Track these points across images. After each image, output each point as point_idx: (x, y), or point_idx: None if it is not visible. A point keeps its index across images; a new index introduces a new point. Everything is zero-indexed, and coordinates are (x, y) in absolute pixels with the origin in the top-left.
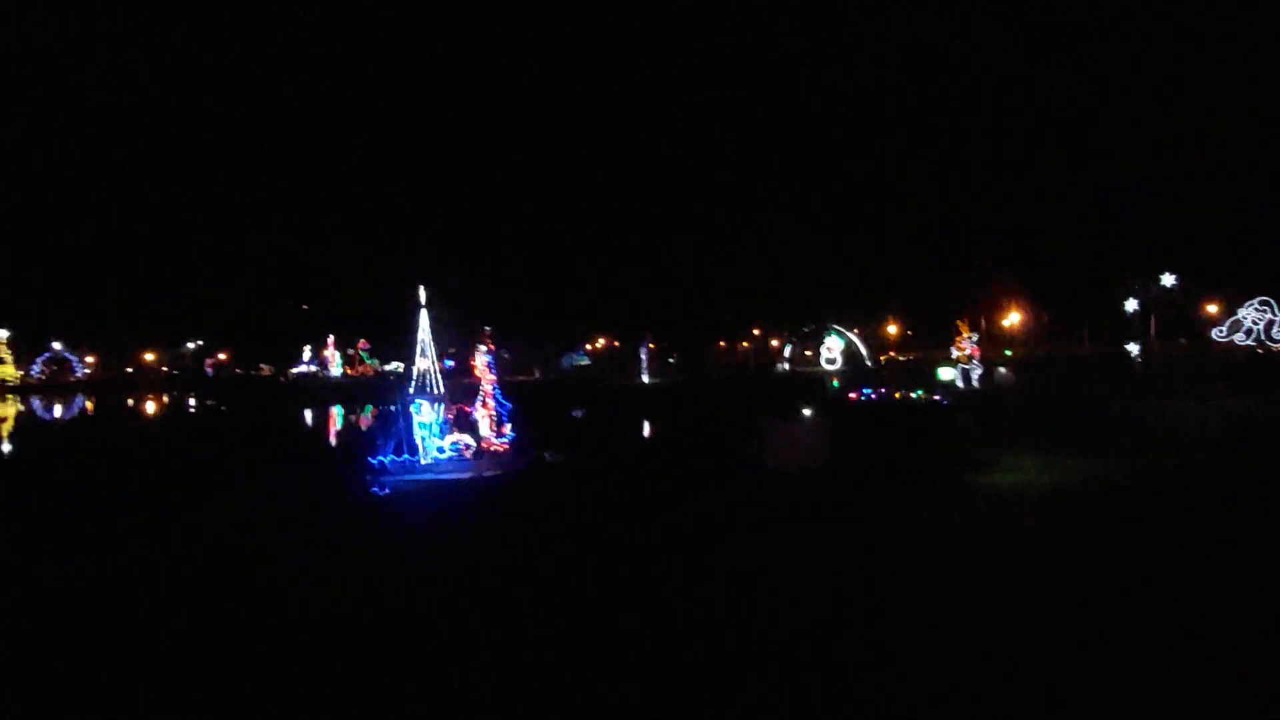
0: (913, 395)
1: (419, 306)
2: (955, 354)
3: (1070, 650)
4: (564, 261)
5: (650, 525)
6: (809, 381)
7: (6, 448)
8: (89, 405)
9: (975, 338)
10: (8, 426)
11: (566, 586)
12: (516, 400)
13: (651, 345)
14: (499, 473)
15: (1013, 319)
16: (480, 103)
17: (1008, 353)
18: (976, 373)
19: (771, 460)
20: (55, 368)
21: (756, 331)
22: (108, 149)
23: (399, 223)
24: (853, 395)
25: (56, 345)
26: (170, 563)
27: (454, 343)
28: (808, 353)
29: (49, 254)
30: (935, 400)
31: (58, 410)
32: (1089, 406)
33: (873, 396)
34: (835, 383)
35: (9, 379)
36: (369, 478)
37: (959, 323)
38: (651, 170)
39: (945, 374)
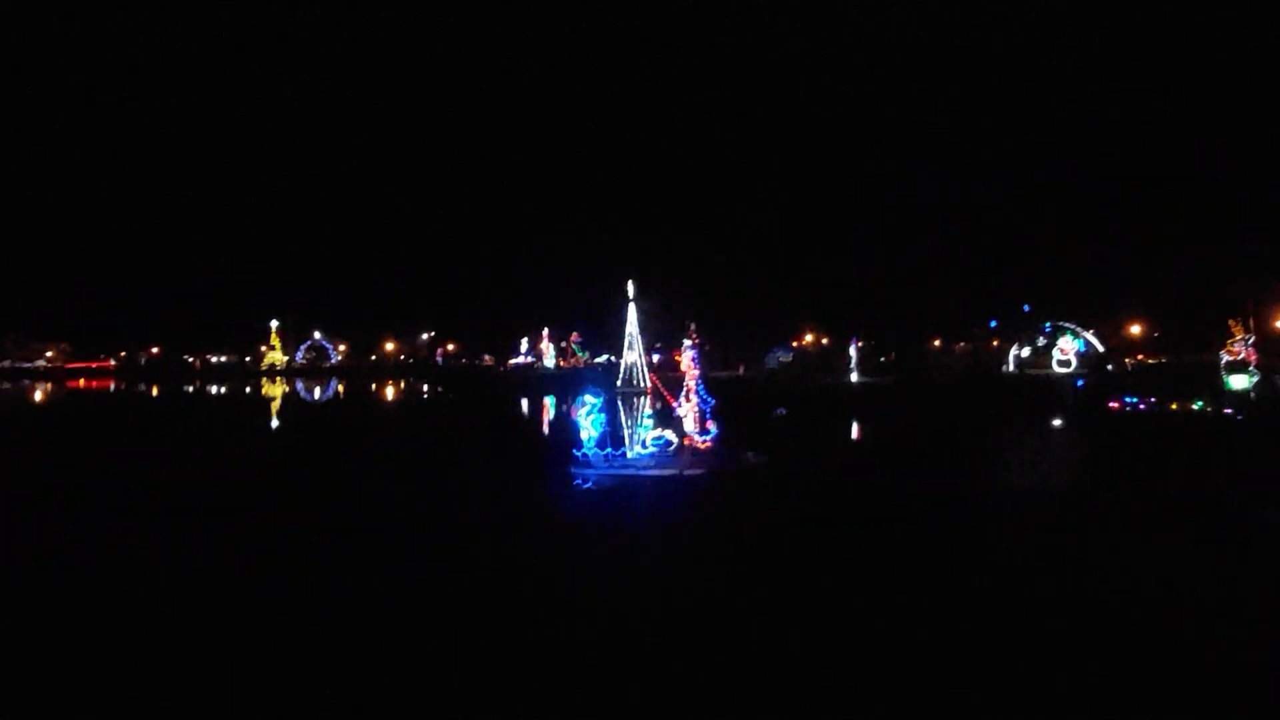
0: (1193, 406)
1: (627, 300)
2: (1226, 358)
3: None
4: (773, 254)
5: (866, 546)
6: (1043, 385)
7: (275, 423)
8: (340, 389)
9: (1251, 340)
10: (275, 405)
11: (774, 607)
12: (720, 397)
13: (861, 342)
14: (701, 472)
15: None
16: (699, 94)
17: None
18: (1255, 380)
19: (1017, 478)
20: (314, 354)
21: (975, 330)
22: (370, 156)
23: (610, 217)
24: (1114, 404)
25: (317, 334)
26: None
27: (660, 337)
28: (1019, 352)
29: (311, 250)
30: (1227, 414)
31: (316, 392)
32: None
33: (1141, 406)
34: (1080, 382)
35: (278, 364)
36: (573, 469)
37: (1231, 322)
38: (865, 160)
39: (1237, 382)
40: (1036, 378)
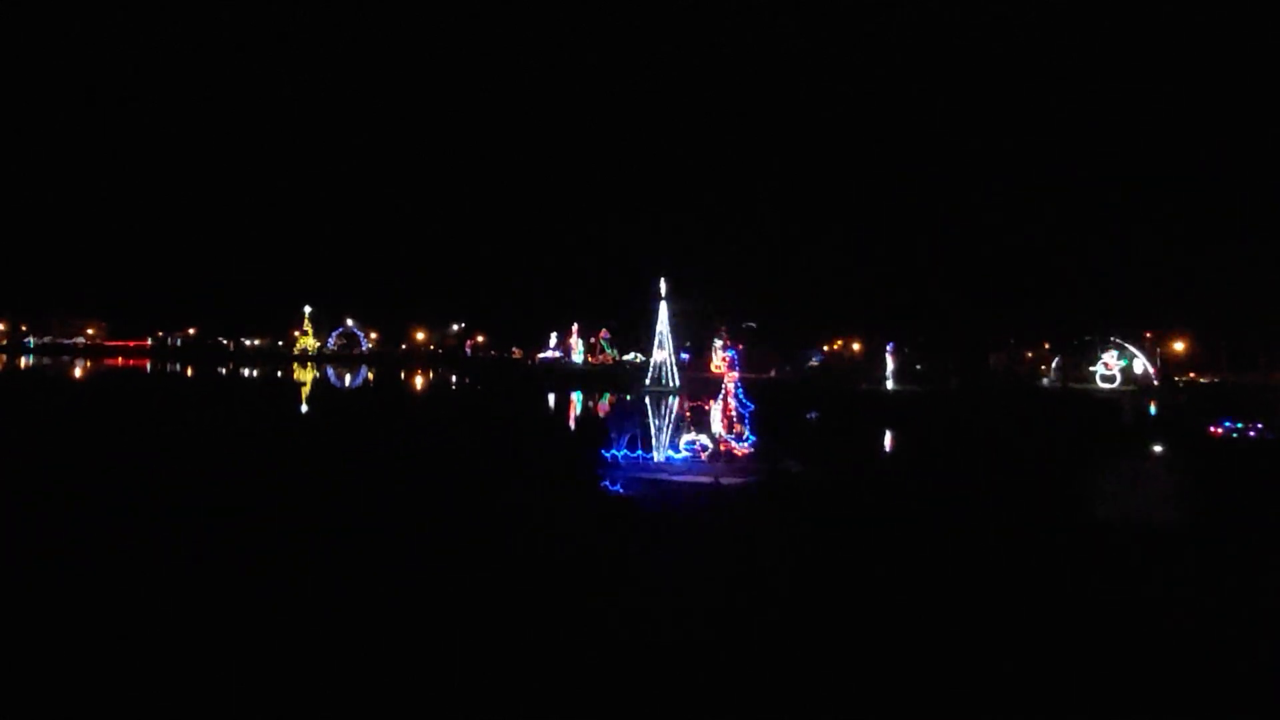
0: None
1: (659, 298)
2: None
3: None
4: (807, 257)
5: (919, 574)
6: (1103, 403)
7: (295, 410)
8: (369, 376)
9: None
10: (301, 390)
11: (831, 647)
12: (755, 400)
13: (897, 349)
14: (736, 481)
15: None
16: (742, 93)
17: None
18: None
19: (1118, 510)
20: (345, 341)
21: (1011, 340)
22: (411, 146)
23: (645, 215)
24: (1215, 430)
25: (350, 321)
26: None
27: (691, 336)
28: (1041, 366)
29: (346, 238)
30: None
31: (343, 379)
32: None
33: (1251, 434)
34: (1152, 409)
35: (309, 349)
36: (600, 470)
37: None
38: (905, 165)
39: None
40: (1084, 393)
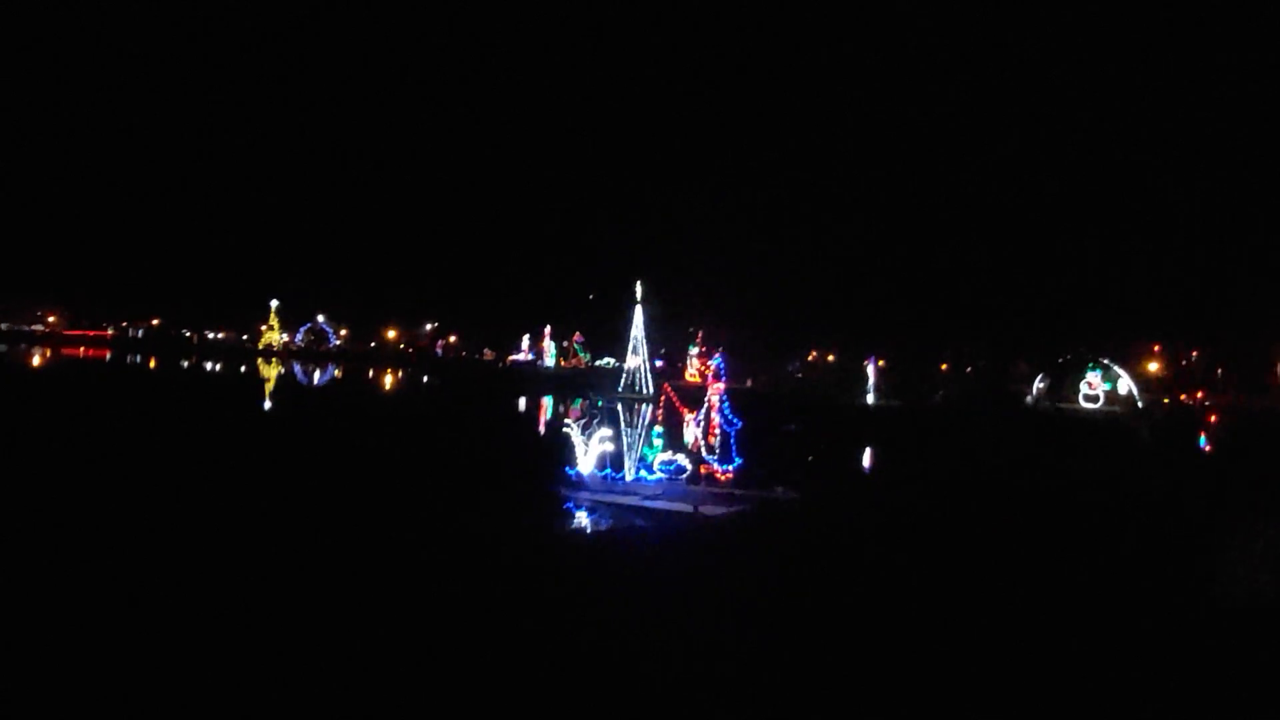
0: None
1: (634, 302)
2: None
3: None
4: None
5: (957, 635)
6: (1109, 425)
7: (251, 407)
8: (338, 374)
9: None
10: (263, 387)
11: None
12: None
13: (881, 362)
14: (721, 511)
15: None
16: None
17: None
18: None
19: (1226, 586)
20: (314, 337)
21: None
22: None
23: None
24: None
25: (320, 318)
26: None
27: (665, 343)
28: (1042, 384)
29: (318, 232)
30: None
31: (309, 376)
32: None
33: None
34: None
35: (275, 344)
36: (563, 490)
37: None
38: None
39: None
40: (1074, 414)
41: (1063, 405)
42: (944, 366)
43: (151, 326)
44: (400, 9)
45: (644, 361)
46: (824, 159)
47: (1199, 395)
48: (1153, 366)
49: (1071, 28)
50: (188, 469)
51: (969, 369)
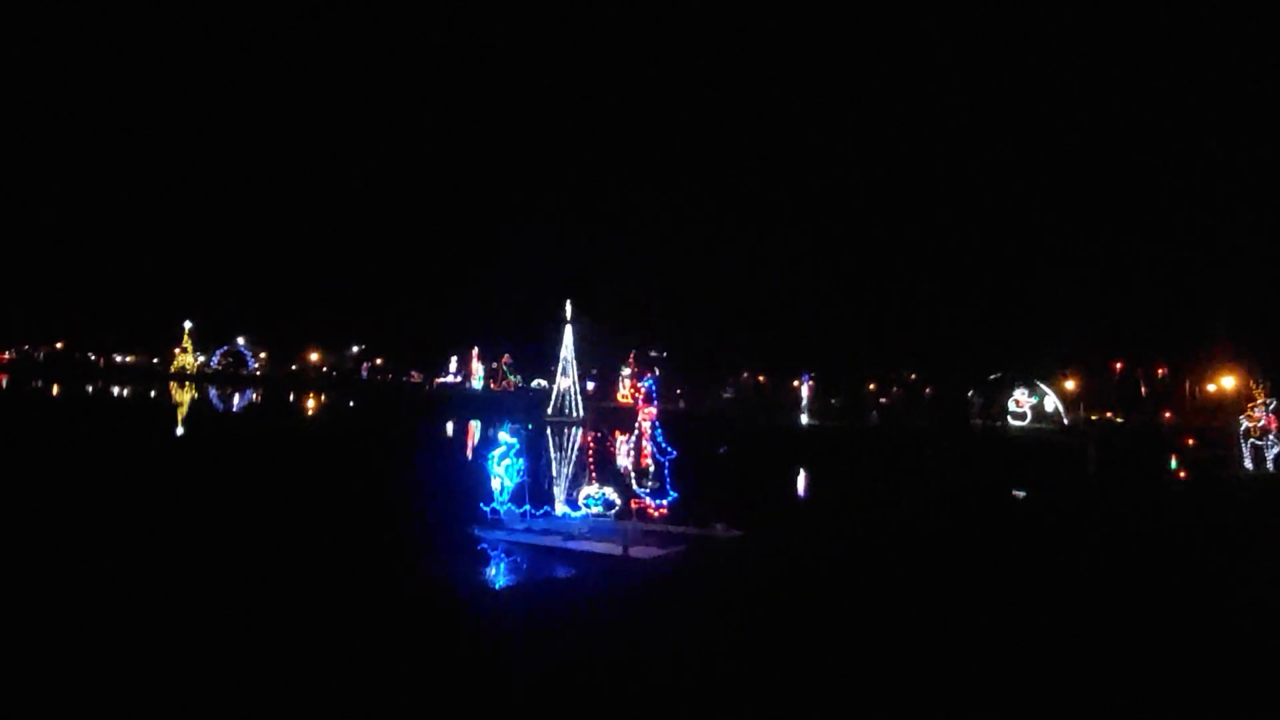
0: None
1: (564, 322)
2: (1245, 424)
3: None
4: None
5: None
6: (1038, 444)
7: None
8: (256, 397)
9: (1274, 404)
10: (164, 414)
11: None
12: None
13: (813, 382)
14: (653, 553)
15: None
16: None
17: None
18: (1275, 451)
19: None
20: (230, 360)
21: (913, 376)
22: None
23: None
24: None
25: (240, 340)
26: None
27: (598, 363)
28: (978, 401)
29: (233, 251)
30: None
31: (221, 401)
32: None
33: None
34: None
35: (188, 368)
36: (476, 530)
37: (1254, 384)
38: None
39: None
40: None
41: (998, 424)
42: (872, 386)
43: (55, 349)
44: (315, 25)
45: (574, 383)
46: (760, 179)
47: (1109, 414)
48: (1069, 385)
49: (985, 57)
50: (56, 506)
51: (895, 389)
